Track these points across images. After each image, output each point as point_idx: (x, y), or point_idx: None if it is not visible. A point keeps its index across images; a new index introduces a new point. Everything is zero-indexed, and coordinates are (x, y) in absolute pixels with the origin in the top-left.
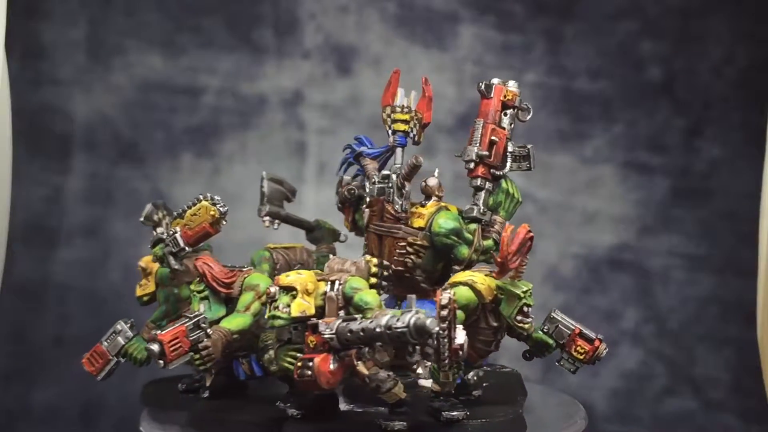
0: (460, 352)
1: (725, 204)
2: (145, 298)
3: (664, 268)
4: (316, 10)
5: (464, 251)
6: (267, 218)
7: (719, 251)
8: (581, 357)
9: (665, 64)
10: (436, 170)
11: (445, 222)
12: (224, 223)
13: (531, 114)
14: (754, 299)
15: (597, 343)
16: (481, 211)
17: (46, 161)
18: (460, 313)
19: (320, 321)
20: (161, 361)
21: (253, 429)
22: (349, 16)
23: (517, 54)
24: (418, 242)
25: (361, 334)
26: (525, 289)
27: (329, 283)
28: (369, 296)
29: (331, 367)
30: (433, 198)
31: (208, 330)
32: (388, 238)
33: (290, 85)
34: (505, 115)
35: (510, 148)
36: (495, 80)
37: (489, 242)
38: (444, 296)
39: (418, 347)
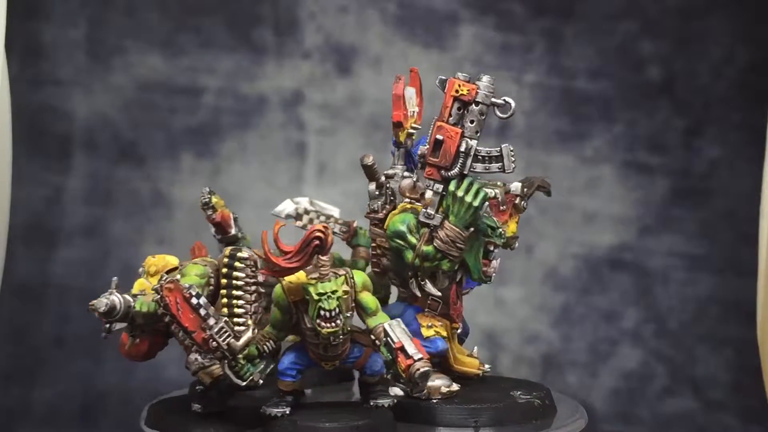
0: (214, 344)
1: (725, 204)
2: None
3: (664, 268)
4: (316, 10)
5: (409, 255)
6: None
7: (719, 251)
8: (404, 374)
9: (665, 64)
10: (415, 172)
11: (393, 225)
12: (209, 212)
13: (512, 109)
14: (754, 299)
15: (410, 361)
16: (426, 214)
17: (46, 161)
18: (275, 310)
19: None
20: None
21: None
22: (349, 16)
23: (517, 54)
24: (383, 244)
25: None
26: (321, 291)
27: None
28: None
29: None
30: (405, 200)
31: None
32: None
33: (290, 85)
34: (467, 111)
35: (463, 147)
36: (460, 75)
37: (429, 248)
38: (156, 284)
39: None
